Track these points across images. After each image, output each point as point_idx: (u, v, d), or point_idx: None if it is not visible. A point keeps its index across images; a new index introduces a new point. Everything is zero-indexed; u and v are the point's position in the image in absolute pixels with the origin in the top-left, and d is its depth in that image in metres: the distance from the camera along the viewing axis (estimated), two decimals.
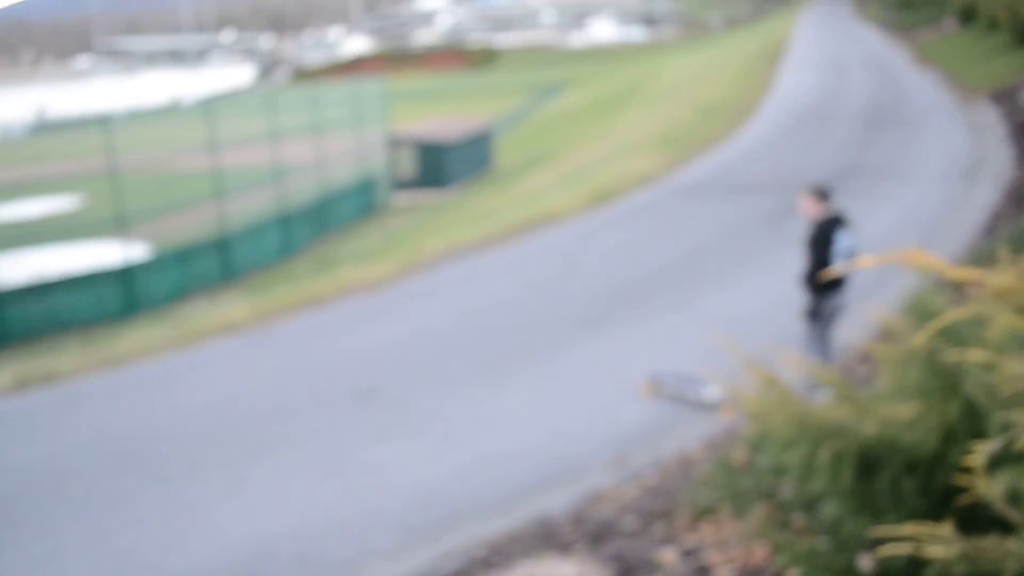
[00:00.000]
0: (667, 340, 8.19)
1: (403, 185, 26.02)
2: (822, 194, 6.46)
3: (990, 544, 2.27)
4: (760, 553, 4.56)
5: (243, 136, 21.19)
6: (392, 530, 5.66)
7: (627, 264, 10.76)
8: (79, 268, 16.80)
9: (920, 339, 3.41)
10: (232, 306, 12.26)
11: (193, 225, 19.53)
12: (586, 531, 5.32)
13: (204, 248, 18.16)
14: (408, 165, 25.99)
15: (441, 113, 32.88)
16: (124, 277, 16.51)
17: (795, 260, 10.01)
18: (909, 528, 2.40)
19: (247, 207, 20.21)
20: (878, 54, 30.15)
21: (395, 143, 25.99)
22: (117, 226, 17.17)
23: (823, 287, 6.35)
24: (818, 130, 18.19)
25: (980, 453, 2.58)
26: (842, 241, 6.34)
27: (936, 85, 22.05)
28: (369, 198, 24.86)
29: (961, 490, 2.95)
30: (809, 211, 6.51)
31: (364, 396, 7.67)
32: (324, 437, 7.00)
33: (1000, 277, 2.61)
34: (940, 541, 2.36)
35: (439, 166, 25.63)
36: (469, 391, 7.57)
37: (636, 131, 22.94)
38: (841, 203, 12.13)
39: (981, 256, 7.60)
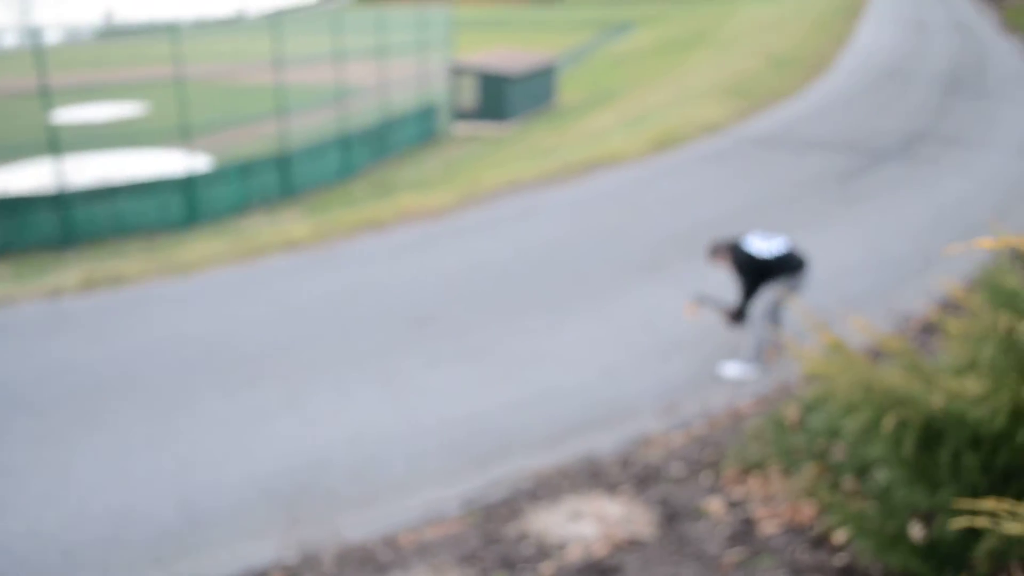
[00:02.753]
0: (724, 292, 8.16)
1: (463, 115, 25.89)
2: (717, 248, 6.71)
3: None
4: (807, 512, 4.62)
5: (307, 54, 21.20)
6: (442, 454, 5.81)
7: (688, 212, 10.66)
8: (143, 175, 17.14)
9: (1002, 320, 3.38)
10: (292, 223, 12.45)
11: (255, 140, 19.73)
12: (633, 473, 5.41)
13: (265, 163, 18.38)
14: (469, 95, 25.82)
15: (505, 44, 32.44)
16: (187, 186, 16.83)
17: (860, 223, 9.87)
18: (990, 503, 2.42)
19: (308, 125, 20.33)
20: (962, 17, 28.93)
21: (457, 71, 25.79)
22: (181, 135, 17.41)
23: (782, 272, 6.59)
24: (893, 91, 17.63)
25: None
26: (754, 245, 6.58)
27: (1021, 55, 21.14)
28: (429, 125, 24.83)
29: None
30: (726, 264, 6.69)
31: (420, 322, 7.80)
32: (380, 359, 7.15)
33: None
34: (1019, 518, 2.37)
35: (501, 98, 25.43)
36: (524, 325, 7.65)
37: (704, 77, 22.43)
38: (910, 170, 11.88)
39: None
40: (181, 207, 16.65)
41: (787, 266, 6.57)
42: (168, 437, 6.14)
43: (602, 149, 14.43)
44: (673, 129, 15.15)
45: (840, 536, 4.25)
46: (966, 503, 2.52)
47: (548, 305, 8.07)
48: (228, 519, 5.27)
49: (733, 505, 4.91)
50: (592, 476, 5.45)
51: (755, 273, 6.57)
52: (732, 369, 6.66)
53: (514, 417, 6.22)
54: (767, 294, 6.62)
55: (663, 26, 43.86)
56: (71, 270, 9.96)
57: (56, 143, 16.13)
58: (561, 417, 6.21)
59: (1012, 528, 2.22)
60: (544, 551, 4.71)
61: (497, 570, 4.61)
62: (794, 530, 4.56)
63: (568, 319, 7.75)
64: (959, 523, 2.45)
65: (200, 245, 11.19)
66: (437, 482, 5.56)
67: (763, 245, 6.60)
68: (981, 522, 2.32)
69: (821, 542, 4.38)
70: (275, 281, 9.18)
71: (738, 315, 6.71)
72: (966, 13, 30.06)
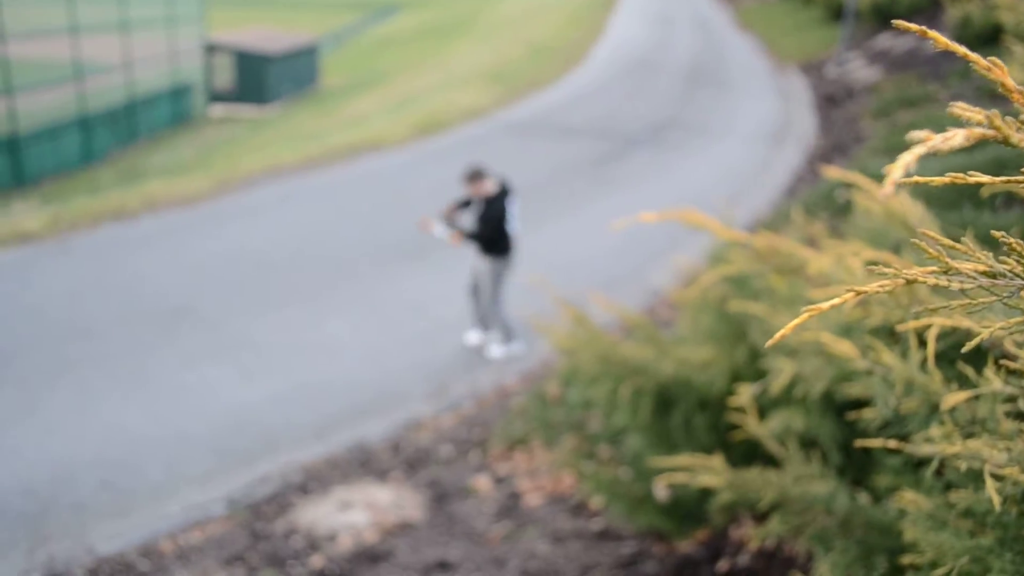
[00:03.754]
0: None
1: (220, 96, 24.63)
2: (479, 173, 6.57)
3: (753, 475, 2.57)
4: (568, 481, 4.89)
5: (35, 25, 19.14)
6: (203, 455, 5.55)
7: (450, 197, 10.82)
8: None
9: (706, 286, 3.73)
10: (24, 214, 11.30)
11: None
12: (403, 458, 5.46)
13: None
14: (226, 75, 24.60)
15: (264, 23, 31.20)
16: None
17: (613, 207, 10.49)
18: (685, 459, 2.69)
19: (41, 105, 18.43)
20: (702, 14, 31.37)
21: (212, 50, 24.46)
22: None
23: (502, 251, 6.66)
24: (643, 81, 18.84)
25: (744, 394, 2.90)
26: (513, 208, 6.66)
27: (752, 50, 23.30)
28: (182, 107, 23.36)
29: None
30: (482, 190, 6.57)
31: (173, 317, 7.37)
32: (129, 358, 6.69)
33: (761, 240, 2.91)
34: (710, 471, 2.65)
35: (260, 79, 24.43)
36: (285, 316, 7.45)
37: (467, 63, 22.81)
38: (657, 156, 12.79)
39: (780, 215, 8.27)
40: None
41: (508, 248, 6.68)
42: None
43: (365, 133, 14.29)
44: (436, 114, 15.29)
45: (597, 502, 4.55)
46: (683, 460, 2.76)
47: (311, 294, 7.91)
48: None
49: (499, 481, 5.10)
50: (362, 464, 5.44)
51: (496, 225, 6.53)
52: (497, 350, 6.87)
53: (279, 411, 6.05)
54: (488, 270, 6.68)
55: (427, 11, 44.04)
56: None
57: None
58: (329, 408, 6.12)
59: (704, 479, 2.47)
60: (313, 544, 4.65)
61: (264, 568, 4.49)
62: (556, 500, 4.81)
63: (332, 307, 7.64)
64: (670, 479, 2.70)
65: None
66: (199, 484, 5.30)
67: (515, 216, 6.73)
68: (681, 477, 2.56)
69: (580, 509, 4.66)
70: (4, 278, 8.31)
71: (468, 237, 6.56)
72: (706, 11, 32.62)
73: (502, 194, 6.57)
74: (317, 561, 4.47)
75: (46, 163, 17.53)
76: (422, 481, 5.19)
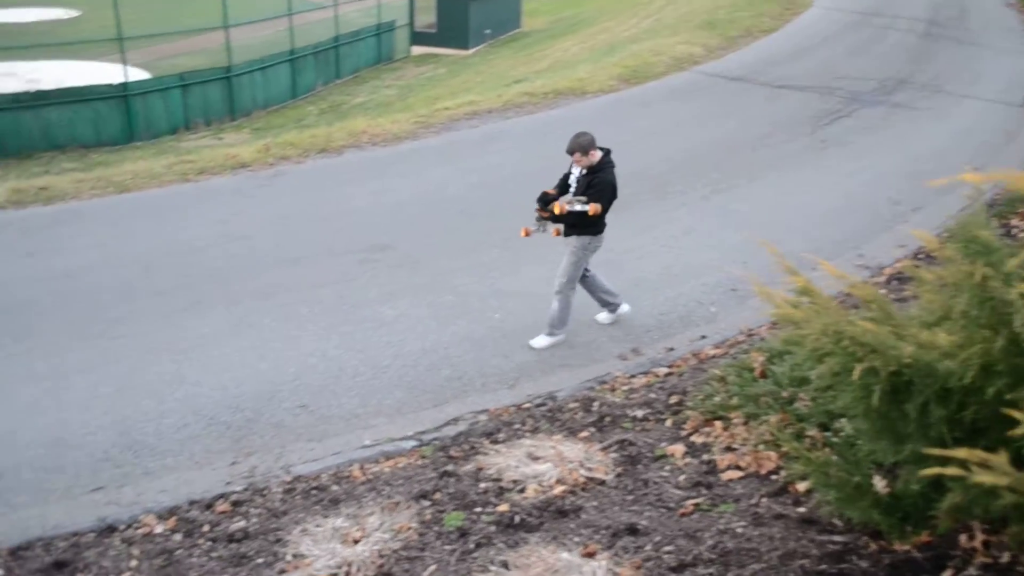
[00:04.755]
0: (690, 234, 7.99)
1: (421, 36, 25.07)
2: (592, 140, 5.96)
3: None
4: (770, 461, 4.52)
5: None
6: (397, 389, 5.61)
7: (655, 148, 10.39)
8: (76, 84, 16.21)
9: (977, 269, 3.21)
10: (239, 143, 11.93)
11: (197, 53, 18.81)
12: (594, 416, 5.27)
13: (208, 78, 17.55)
14: (429, 15, 24.97)
15: None
16: (123, 99, 15.98)
17: (832, 168, 9.71)
18: (962, 452, 2.29)
19: (255, 41, 19.43)
20: None
21: None
22: (115, 44, 16.43)
23: (602, 227, 6.12)
24: (871, 32, 17.37)
25: None
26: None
27: (1001, 2, 20.96)
28: (384, 46, 23.99)
29: (996, 423, 2.84)
30: (592, 159, 6.00)
31: (374, 251, 7.50)
32: (332, 288, 6.86)
33: None
34: (991, 469, 2.25)
35: (462, 20, 24.62)
36: (482, 259, 7.40)
37: (677, 9, 21.90)
38: (886, 115, 11.71)
39: None
40: (117, 121, 15.83)
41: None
42: (105, 360, 5.83)
43: (568, 79, 14.00)
44: (643, 62, 14.76)
45: (803, 487, 4.17)
46: (960, 453, 2.40)
47: (507, 238, 7.80)
48: (171, 447, 5.02)
49: (695, 451, 4.79)
50: (551, 417, 5.30)
51: (610, 196, 6.02)
52: (543, 340, 6.25)
53: (472, 354, 6.01)
54: (580, 247, 6.17)
55: None
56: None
57: None
58: (521, 356, 6.02)
59: (983, 478, 2.09)
60: (501, 491, 4.56)
61: (452, 509, 4.45)
62: (756, 479, 4.46)
63: (529, 254, 7.50)
64: (928, 472, 2.33)
65: (138, 162, 10.66)
66: (391, 417, 5.36)
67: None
68: (952, 471, 2.20)
69: (783, 492, 4.29)
70: (220, 202, 8.77)
71: (600, 212, 6.03)
72: None
73: (610, 162, 6.02)
74: (504, 508, 4.37)
75: (257, 96, 18.50)
76: (612, 441, 4.98)
